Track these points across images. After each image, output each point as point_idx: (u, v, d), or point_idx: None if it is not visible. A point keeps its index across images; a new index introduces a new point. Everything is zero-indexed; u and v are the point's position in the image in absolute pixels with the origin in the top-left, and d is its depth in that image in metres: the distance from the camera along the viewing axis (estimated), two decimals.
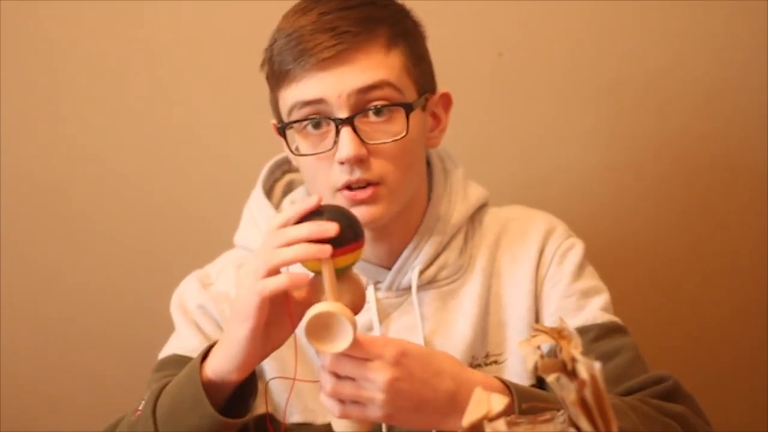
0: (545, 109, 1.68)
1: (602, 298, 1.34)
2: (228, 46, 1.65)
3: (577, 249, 1.36)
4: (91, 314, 1.70)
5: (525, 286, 1.33)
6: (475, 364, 1.31)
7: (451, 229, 1.33)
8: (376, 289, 1.32)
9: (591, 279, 1.36)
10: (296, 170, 1.42)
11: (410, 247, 1.32)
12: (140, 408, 1.18)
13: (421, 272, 1.31)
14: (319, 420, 1.32)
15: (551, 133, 1.69)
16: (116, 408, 1.27)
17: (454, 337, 1.31)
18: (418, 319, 1.31)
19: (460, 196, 1.36)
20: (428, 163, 1.38)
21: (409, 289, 1.32)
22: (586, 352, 1.24)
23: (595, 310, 1.32)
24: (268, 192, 1.41)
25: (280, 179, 1.43)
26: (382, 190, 1.25)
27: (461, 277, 1.33)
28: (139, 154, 1.68)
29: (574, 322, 1.30)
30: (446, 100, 1.35)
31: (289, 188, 1.43)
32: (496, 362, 1.32)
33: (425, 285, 1.32)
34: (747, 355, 1.72)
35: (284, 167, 1.44)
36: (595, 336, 1.30)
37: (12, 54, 1.65)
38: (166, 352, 1.34)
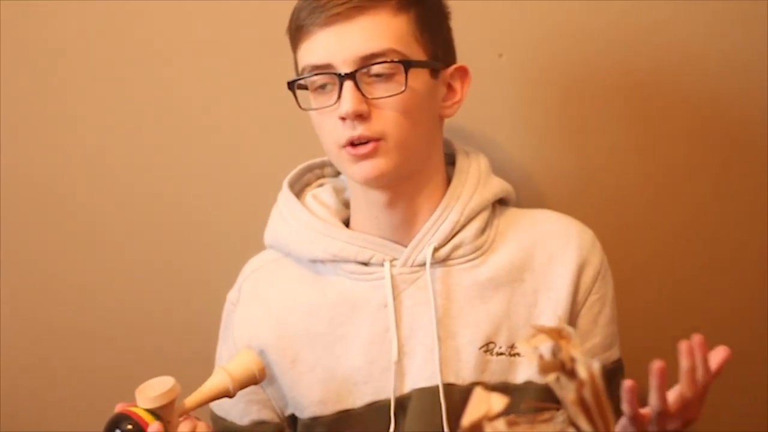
0: (545, 109, 1.68)
1: None
2: (236, 46, 1.65)
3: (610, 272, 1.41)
4: (92, 315, 1.70)
5: (565, 289, 1.36)
6: (497, 352, 1.33)
7: (469, 212, 1.35)
8: (392, 266, 1.34)
9: None
10: (330, 175, 1.45)
11: (428, 224, 1.34)
12: None
13: (436, 249, 1.33)
14: (329, 409, 1.34)
15: (551, 134, 1.69)
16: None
17: (467, 316, 1.33)
18: (430, 293, 1.33)
19: (482, 182, 1.39)
20: (453, 153, 1.41)
21: (423, 265, 1.34)
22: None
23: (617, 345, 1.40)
24: (297, 194, 1.42)
25: (312, 183, 1.46)
26: (383, 144, 1.28)
27: (478, 258, 1.35)
28: (143, 155, 1.67)
29: (613, 352, 1.39)
30: (463, 73, 1.37)
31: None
32: (519, 354, 1.33)
33: (440, 262, 1.34)
34: (747, 355, 1.72)
35: (317, 172, 1.46)
36: (622, 374, 1.38)
37: (13, 54, 1.65)
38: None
